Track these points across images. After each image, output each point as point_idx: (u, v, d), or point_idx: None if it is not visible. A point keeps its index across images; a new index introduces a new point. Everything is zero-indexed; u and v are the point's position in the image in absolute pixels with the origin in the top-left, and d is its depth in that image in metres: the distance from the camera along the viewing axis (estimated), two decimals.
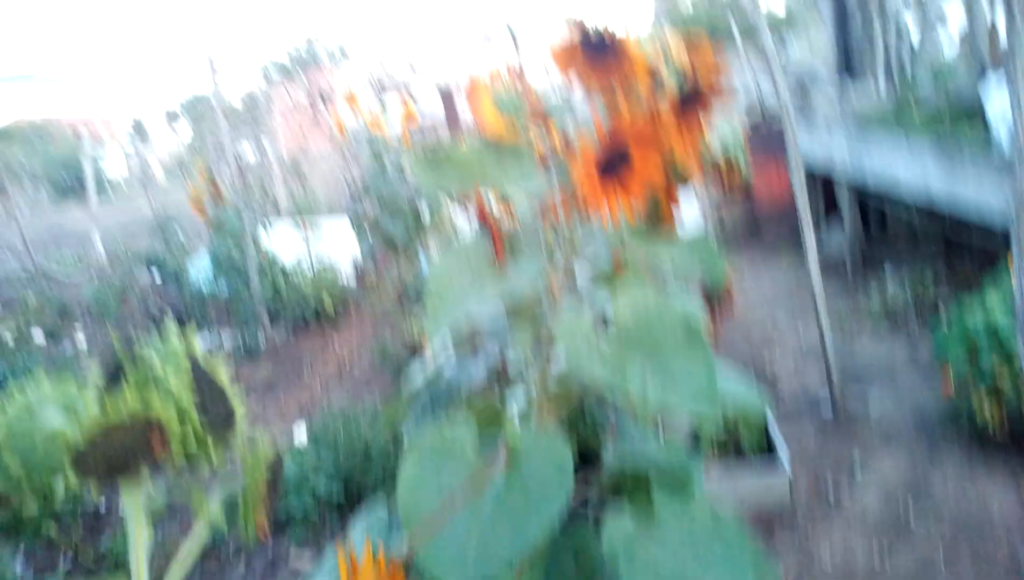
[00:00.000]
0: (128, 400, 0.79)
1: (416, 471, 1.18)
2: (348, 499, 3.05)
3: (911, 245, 5.62)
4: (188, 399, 0.85)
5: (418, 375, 1.46)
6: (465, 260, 1.21)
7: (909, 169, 4.60)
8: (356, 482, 3.09)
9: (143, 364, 0.82)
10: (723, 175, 2.38)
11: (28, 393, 0.82)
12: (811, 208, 6.41)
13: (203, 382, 0.89)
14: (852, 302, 4.94)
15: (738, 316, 4.94)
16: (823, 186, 6.32)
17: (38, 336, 6.58)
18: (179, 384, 0.85)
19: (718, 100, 1.17)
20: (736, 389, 1.55)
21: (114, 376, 0.81)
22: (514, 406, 1.47)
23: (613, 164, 1.12)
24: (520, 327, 1.30)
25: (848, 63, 7.13)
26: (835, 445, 3.39)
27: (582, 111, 1.32)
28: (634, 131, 1.12)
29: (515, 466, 1.15)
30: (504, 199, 1.25)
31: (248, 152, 12.60)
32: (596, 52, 1.18)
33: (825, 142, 5.84)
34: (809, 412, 3.68)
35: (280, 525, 3.04)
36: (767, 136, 6.66)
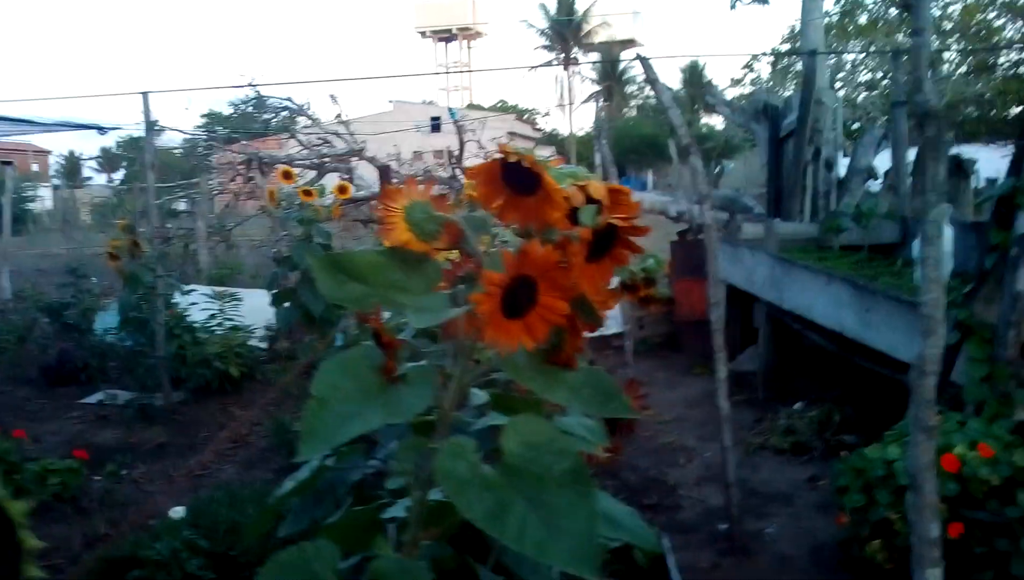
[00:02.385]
0: None
1: None
2: (224, 575, 2.90)
3: (824, 372, 5.72)
4: None
5: (290, 479, 1.38)
6: (354, 371, 1.15)
7: (826, 300, 4.72)
8: (233, 561, 2.94)
9: None
10: (639, 294, 2.39)
11: None
12: (730, 327, 6.55)
13: None
14: (760, 424, 4.98)
15: (646, 434, 4.92)
16: (744, 305, 6.45)
17: None
18: None
19: (632, 243, 1.15)
20: (631, 523, 1.51)
21: None
22: (394, 517, 1.40)
23: (518, 300, 1.08)
24: (406, 444, 1.24)
25: (777, 192, 7.41)
26: (729, 566, 3.37)
27: (500, 233, 1.29)
28: (543, 268, 1.08)
29: None
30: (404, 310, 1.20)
31: (179, 205, 12.40)
32: (515, 179, 1.16)
33: (749, 264, 5.97)
34: (708, 532, 3.65)
35: None
36: (692, 249, 6.79)
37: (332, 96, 9.55)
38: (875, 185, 7.66)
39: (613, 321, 6.95)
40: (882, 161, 7.75)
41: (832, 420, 4.63)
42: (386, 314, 1.39)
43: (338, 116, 9.40)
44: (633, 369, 5.53)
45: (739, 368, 6.09)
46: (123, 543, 3.06)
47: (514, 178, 1.16)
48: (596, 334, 7.29)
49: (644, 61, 3.43)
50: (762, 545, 3.54)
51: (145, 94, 5.37)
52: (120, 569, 2.91)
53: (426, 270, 1.25)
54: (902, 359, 3.89)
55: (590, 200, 1.15)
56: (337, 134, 9.09)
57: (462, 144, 7.85)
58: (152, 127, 5.36)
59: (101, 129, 5.22)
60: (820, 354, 5.45)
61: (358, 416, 1.08)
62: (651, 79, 3.20)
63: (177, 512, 3.02)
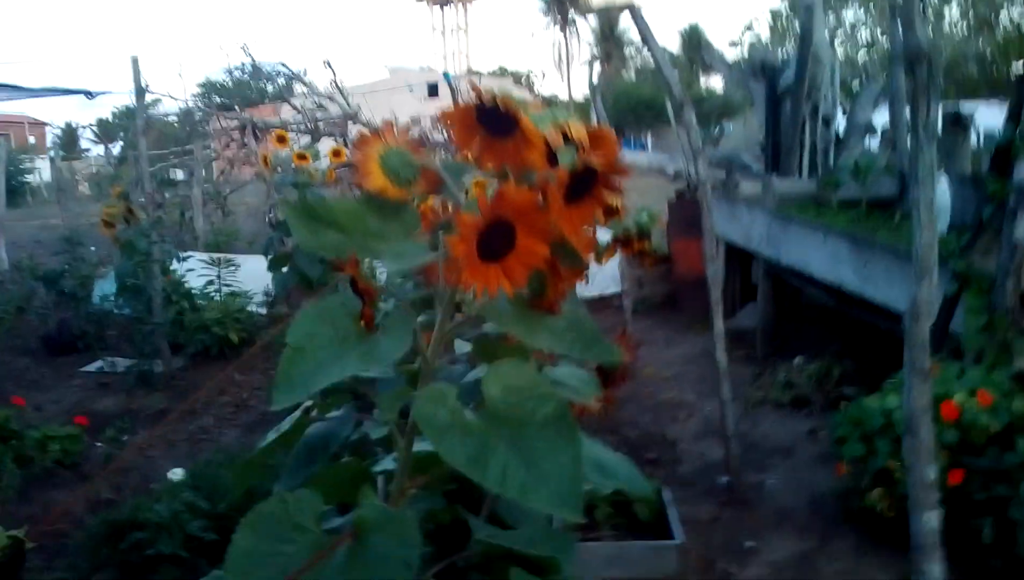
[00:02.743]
0: None
1: (251, 542, 1.10)
2: (225, 539, 2.89)
3: (822, 326, 5.72)
4: None
5: (272, 430, 1.37)
6: (331, 319, 1.13)
7: (823, 255, 4.70)
8: (233, 521, 2.94)
9: None
10: (633, 248, 2.38)
11: None
12: (729, 284, 6.55)
13: None
14: (760, 379, 4.98)
15: (646, 390, 4.93)
16: (743, 263, 6.43)
17: None
18: None
19: (613, 183, 1.13)
20: (625, 471, 1.50)
21: None
22: (382, 469, 1.39)
23: (495, 243, 1.06)
24: (389, 393, 1.23)
25: (775, 149, 7.35)
26: (729, 518, 3.38)
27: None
28: (520, 210, 1.06)
29: (361, 541, 1.08)
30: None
31: (178, 173, 12.32)
32: (491, 123, 1.13)
33: (746, 221, 5.94)
34: (708, 486, 3.67)
35: (149, 563, 2.87)
36: (690, 208, 6.75)
37: (326, 61, 9.42)
38: (874, 142, 7.61)
39: (612, 280, 6.94)
40: (881, 118, 7.69)
41: (831, 374, 4.63)
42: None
43: (332, 81, 9.28)
44: (632, 327, 5.52)
45: (738, 325, 6.09)
46: (125, 507, 3.06)
47: (490, 121, 1.14)
48: (595, 294, 7.29)
49: (636, 14, 3.38)
50: (762, 497, 3.56)
51: (135, 59, 5.31)
52: (122, 532, 2.92)
53: (403, 217, 1.23)
54: (901, 312, 3.87)
55: (570, 142, 1.13)
56: (331, 99, 8.97)
57: (457, 107, 7.73)
58: (143, 92, 5.30)
59: (89, 94, 5.16)
60: (819, 309, 5.45)
61: (334, 363, 1.06)
62: (643, 33, 3.15)
63: (176, 474, 3.02)
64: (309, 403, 1.36)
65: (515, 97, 1.15)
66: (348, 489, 1.33)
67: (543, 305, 1.20)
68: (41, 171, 30.85)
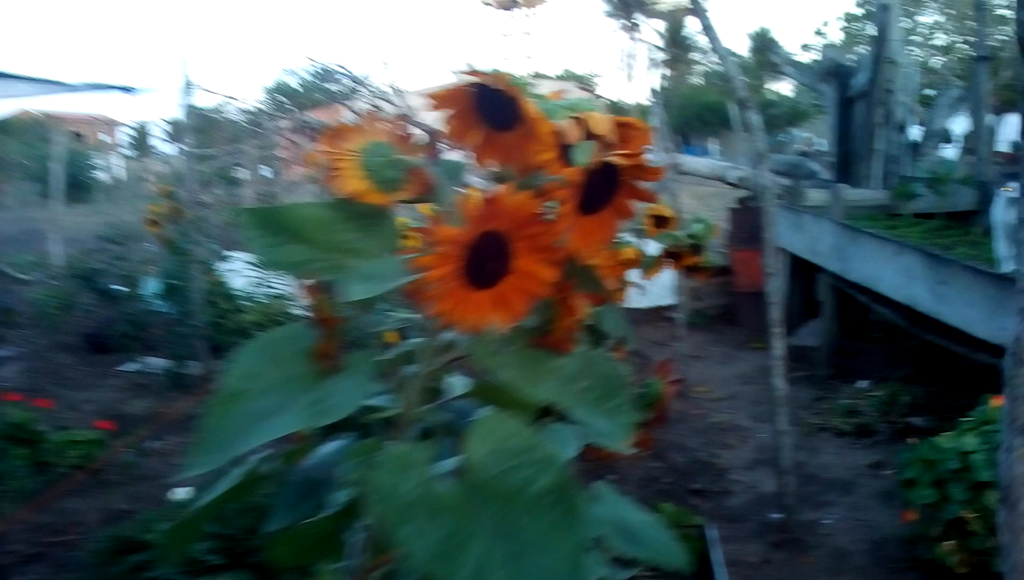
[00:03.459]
0: None
1: None
2: (235, 560, 2.72)
3: (890, 348, 5.37)
4: None
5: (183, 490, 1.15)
6: (280, 356, 0.91)
7: (894, 271, 4.36)
8: (243, 543, 2.76)
9: None
10: (684, 263, 2.16)
11: None
12: (792, 298, 6.21)
13: None
14: (821, 403, 4.66)
15: (697, 412, 4.64)
16: (807, 276, 6.09)
17: None
18: None
19: (639, 189, 0.89)
20: (654, 536, 1.27)
21: None
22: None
23: (485, 265, 0.83)
24: (354, 448, 1.01)
25: (844, 156, 6.99)
26: (781, 561, 3.09)
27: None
28: (518, 222, 0.83)
29: None
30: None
31: (243, 172, 12.31)
32: (491, 110, 0.91)
33: (812, 232, 5.61)
34: (759, 522, 3.37)
35: None
36: (753, 216, 6.44)
37: (384, 63, 9.30)
38: (950, 150, 7.20)
39: (667, 291, 6.65)
40: (958, 125, 7.28)
41: (899, 401, 4.29)
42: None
43: (390, 83, 9.16)
44: (685, 343, 5.23)
45: (800, 343, 5.76)
46: (133, 522, 2.90)
47: (490, 109, 0.91)
48: (650, 305, 7.01)
49: (698, 6, 3.12)
50: (818, 538, 3.26)
51: (182, 57, 5.20)
52: (128, 549, 2.75)
53: (384, 228, 1.01)
54: (980, 337, 3.54)
55: (591, 136, 0.89)
56: (387, 100, 8.85)
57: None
58: (190, 90, 5.19)
59: (130, 90, 5.07)
60: (887, 328, 5.10)
61: (275, 416, 0.84)
62: (704, 24, 2.89)
63: (180, 493, 2.84)
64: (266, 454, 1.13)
65: (520, 80, 0.91)
66: (311, 553, 1.11)
67: (550, 342, 0.97)
68: (111, 168, 31.52)
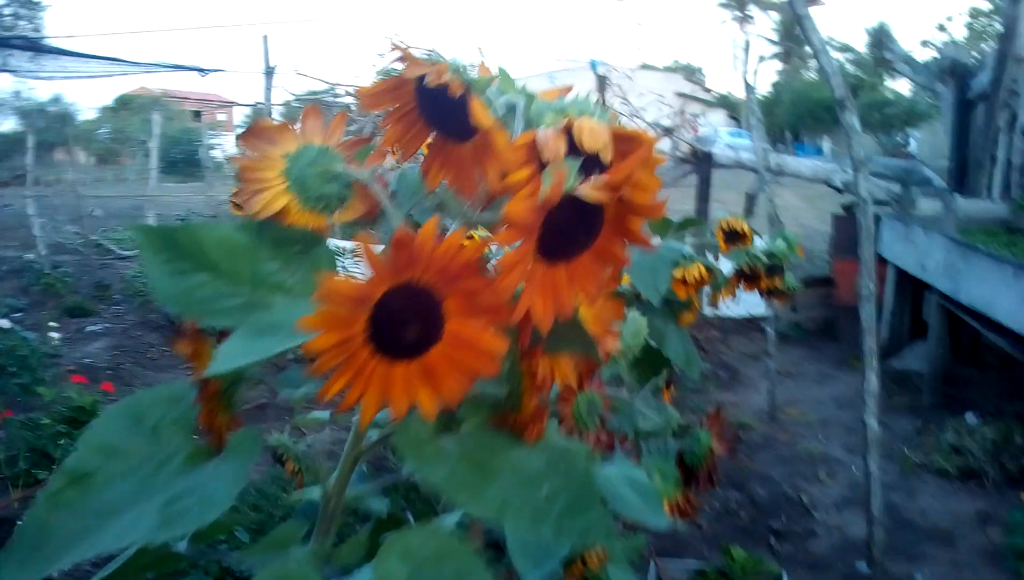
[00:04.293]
0: None
1: None
2: None
3: (1005, 378, 4.88)
4: None
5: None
6: (151, 427, 0.70)
7: (1013, 296, 3.91)
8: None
9: None
10: (760, 285, 1.91)
11: None
12: (898, 315, 5.75)
13: None
14: (923, 438, 4.24)
15: (784, 438, 4.29)
16: (917, 292, 5.63)
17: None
18: None
19: (631, 227, 0.64)
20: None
21: None
22: None
23: (399, 329, 0.61)
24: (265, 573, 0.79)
25: (961, 163, 6.47)
26: None
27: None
28: (447, 272, 0.60)
29: None
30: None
31: None
32: (442, 115, 0.68)
33: (921, 246, 5.15)
34: (843, 573, 3.04)
35: None
36: (854, 224, 6.00)
37: (479, 49, 9.14)
38: None
39: (760, 299, 6.27)
40: None
41: (1012, 441, 3.85)
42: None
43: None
44: (776, 358, 4.87)
45: (903, 366, 5.32)
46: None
47: (440, 111, 0.67)
48: (743, 314, 6.64)
49: None
50: None
51: (264, 37, 5.12)
52: (159, 562, 2.61)
53: (315, 259, 0.78)
54: None
55: (576, 150, 0.64)
56: None
57: (603, 100, 7.28)
58: (271, 73, 5.11)
59: (202, 71, 5.02)
60: (1003, 356, 4.62)
61: (122, 516, 0.62)
62: (799, 16, 2.57)
63: None
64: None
65: (477, 73, 0.68)
66: None
67: (511, 423, 0.73)
68: (223, 148, 32.48)
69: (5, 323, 4.31)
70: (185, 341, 0.74)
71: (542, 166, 0.65)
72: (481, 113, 0.61)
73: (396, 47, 0.65)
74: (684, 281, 2.02)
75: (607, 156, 0.64)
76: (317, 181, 0.74)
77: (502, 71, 0.77)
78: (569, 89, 0.82)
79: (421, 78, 0.64)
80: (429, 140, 0.70)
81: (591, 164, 0.63)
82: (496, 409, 0.73)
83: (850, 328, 6.16)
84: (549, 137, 0.65)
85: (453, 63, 0.63)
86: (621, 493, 1.21)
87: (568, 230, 0.61)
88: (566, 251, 0.62)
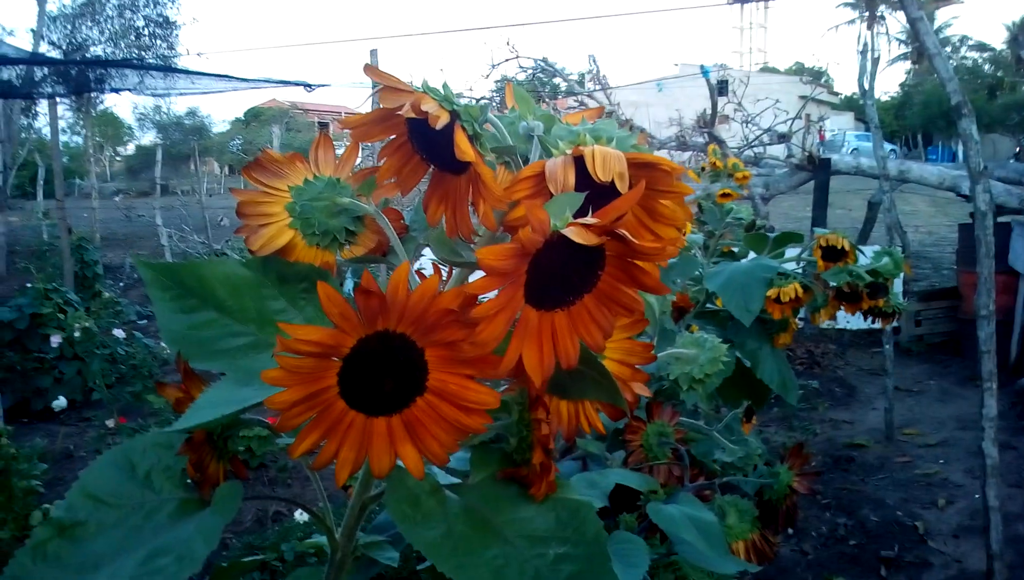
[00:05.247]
0: None
1: None
2: None
3: None
4: None
5: None
6: (144, 475, 0.68)
7: None
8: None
9: None
10: (862, 306, 1.79)
11: None
12: None
13: None
14: None
15: (901, 459, 4.05)
16: None
17: None
18: None
19: (638, 272, 0.58)
20: None
21: None
22: None
23: (378, 384, 0.57)
24: None
25: None
26: None
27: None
28: (426, 322, 0.55)
29: None
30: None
31: None
32: (433, 147, 0.64)
33: None
34: None
35: None
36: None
37: (591, 56, 9.08)
38: None
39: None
40: None
41: None
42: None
43: (594, 75, 8.95)
44: (895, 375, 4.61)
45: None
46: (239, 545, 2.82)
47: (430, 142, 0.63)
48: (862, 326, 6.34)
49: None
50: None
51: (373, 52, 5.20)
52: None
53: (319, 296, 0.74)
54: None
55: (587, 180, 0.59)
56: (590, 96, 8.61)
57: (715, 105, 7.05)
58: (377, 84, 5.17)
59: (308, 86, 5.14)
60: None
61: (94, 574, 0.60)
62: (911, 17, 2.40)
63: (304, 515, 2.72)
64: None
65: (452, 95, 0.64)
66: None
67: (518, 476, 0.67)
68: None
69: (120, 333, 4.51)
70: (170, 387, 0.72)
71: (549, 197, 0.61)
72: (464, 145, 0.56)
73: (375, 74, 0.61)
74: (778, 300, 1.92)
75: (623, 186, 0.59)
76: (323, 215, 0.71)
77: (520, 94, 0.72)
78: (601, 110, 0.76)
79: (417, 110, 0.60)
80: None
81: (607, 194, 0.58)
82: (506, 461, 0.68)
83: (976, 343, 5.80)
84: (557, 167, 0.60)
85: (436, 92, 0.59)
86: (683, 535, 1.13)
87: (564, 273, 0.55)
88: (564, 296, 0.56)
